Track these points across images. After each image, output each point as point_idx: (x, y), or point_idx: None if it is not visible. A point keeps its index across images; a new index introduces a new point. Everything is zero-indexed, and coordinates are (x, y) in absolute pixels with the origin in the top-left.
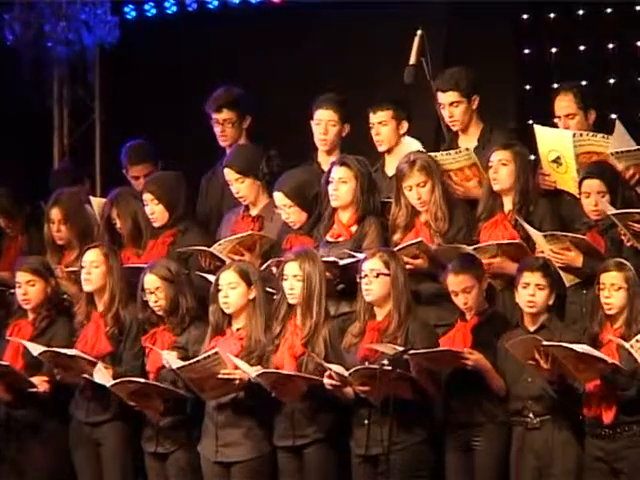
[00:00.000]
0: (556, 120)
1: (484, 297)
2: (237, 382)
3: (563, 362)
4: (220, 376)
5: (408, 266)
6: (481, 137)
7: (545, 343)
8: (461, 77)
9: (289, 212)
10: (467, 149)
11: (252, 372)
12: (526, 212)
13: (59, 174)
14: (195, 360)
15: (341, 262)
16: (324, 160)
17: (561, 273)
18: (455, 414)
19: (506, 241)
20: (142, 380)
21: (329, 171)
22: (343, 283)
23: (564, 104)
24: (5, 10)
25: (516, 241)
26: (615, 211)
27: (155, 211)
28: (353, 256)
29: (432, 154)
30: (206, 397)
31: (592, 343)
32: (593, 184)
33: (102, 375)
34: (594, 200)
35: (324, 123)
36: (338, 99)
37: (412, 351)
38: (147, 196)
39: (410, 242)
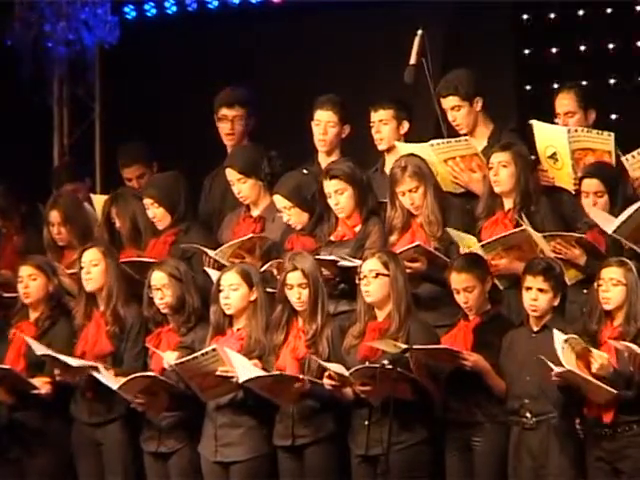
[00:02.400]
0: (556, 119)
1: (486, 298)
2: (235, 380)
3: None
4: (218, 373)
5: (407, 270)
6: (491, 137)
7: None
8: (460, 81)
9: (290, 214)
10: (466, 139)
11: (242, 377)
12: (527, 212)
13: (60, 170)
14: (193, 356)
15: (339, 263)
16: (324, 161)
17: (565, 271)
18: (455, 414)
19: (511, 231)
20: (152, 374)
21: (322, 183)
22: (343, 283)
23: (565, 102)
24: (5, 10)
25: (522, 228)
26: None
27: (156, 214)
28: (351, 261)
29: (433, 142)
30: (206, 397)
31: (591, 341)
32: (591, 184)
33: (107, 377)
34: (592, 200)
35: (323, 124)
36: (338, 100)
37: (413, 347)
38: (147, 201)
39: (408, 247)
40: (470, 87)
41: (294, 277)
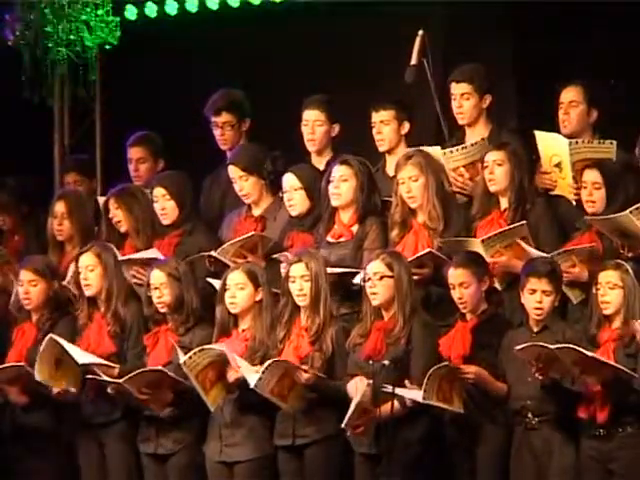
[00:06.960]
0: (559, 112)
1: (483, 297)
2: (233, 380)
3: (567, 365)
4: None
5: (416, 277)
6: (490, 137)
7: (554, 347)
8: (477, 72)
9: (294, 195)
10: (483, 139)
11: (252, 381)
12: (522, 211)
13: (72, 161)
14: (200, 348)
15: (355, 280)
16: (316, 161)
17: (568, 291)
18: (455, 414)
19: (511, 226)
20: (159, 368)
21: (330, 171)
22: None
23: (571, 94)
24: (6, 10)
25: (523, 222)
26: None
27: (166, 207)
28: (355, 272)
29: (446, 150)
30: (210, 401)
31: (590, 343)
32: (590, 174)
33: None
34: (589, 191)
35: (311, 123)
36: (324, 99)
37: (410, 399)
38: (159, 191)
39: (419, 254)
40: (484, 82)
41: (297, 269)
